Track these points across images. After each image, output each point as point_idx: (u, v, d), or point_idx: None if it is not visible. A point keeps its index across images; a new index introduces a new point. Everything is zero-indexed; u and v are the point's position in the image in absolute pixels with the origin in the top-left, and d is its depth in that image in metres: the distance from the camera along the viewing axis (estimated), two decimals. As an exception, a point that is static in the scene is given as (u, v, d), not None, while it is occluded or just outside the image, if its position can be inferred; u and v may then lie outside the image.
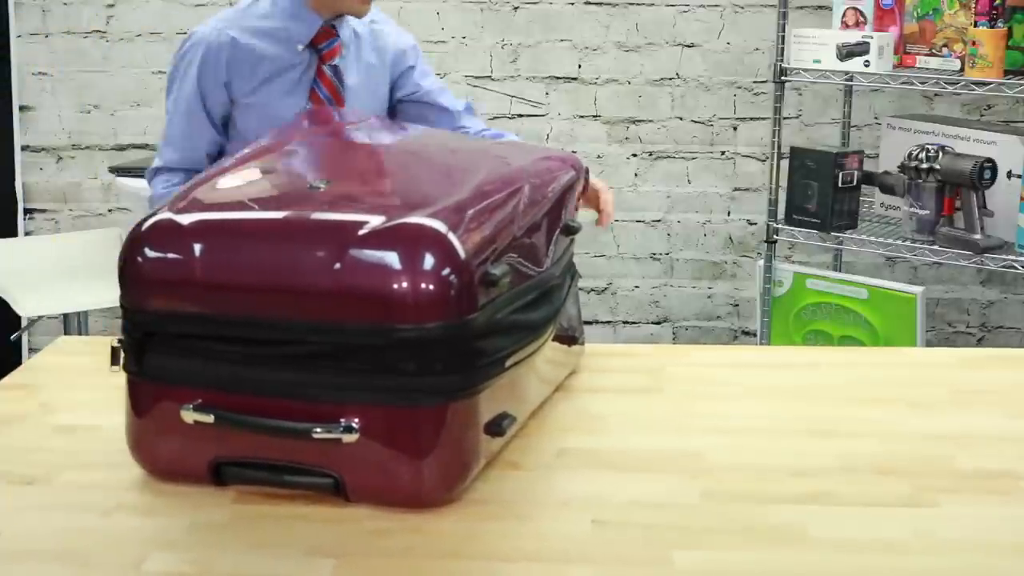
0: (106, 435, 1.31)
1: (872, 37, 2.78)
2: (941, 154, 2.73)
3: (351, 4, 2.04)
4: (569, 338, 1.50)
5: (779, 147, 2.97)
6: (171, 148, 2.09)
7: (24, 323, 3.17)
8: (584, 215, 1.58)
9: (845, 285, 2.98)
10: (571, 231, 1.47)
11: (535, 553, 1.10)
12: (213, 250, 1.16)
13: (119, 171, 3.01)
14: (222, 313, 1.15)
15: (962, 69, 2.71)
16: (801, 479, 1.25)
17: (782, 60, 2.92)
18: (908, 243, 2.80)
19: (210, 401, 1.16)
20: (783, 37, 2.92)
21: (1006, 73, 2.66)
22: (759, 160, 3.44)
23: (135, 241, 1.19)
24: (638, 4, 3.39)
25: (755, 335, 3.26)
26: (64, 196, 3.50)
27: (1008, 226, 2.71)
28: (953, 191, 2.75)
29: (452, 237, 1.14)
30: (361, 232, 1.13)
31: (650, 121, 3.43)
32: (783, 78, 2.93)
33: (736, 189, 3.48)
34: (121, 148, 3.47)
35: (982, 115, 3.36)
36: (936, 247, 2.76)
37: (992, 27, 2.65)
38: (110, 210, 3.50)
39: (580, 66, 3.39)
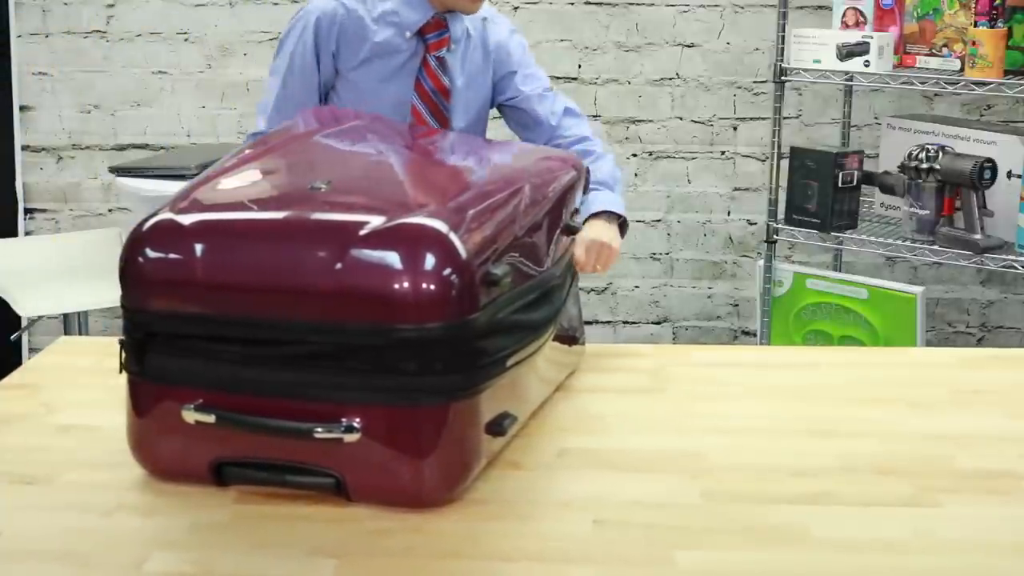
0: (107, 435, 1.31)
1: (872, 37, 2.78)
2: (941, 154, 2.73)
3: (460, 0, 2.03)
4: (569, 338, 1.50)
5: (779, 147, 2.97)
6: (275, 112, 2.10)
7: (24, 323, 3.17)
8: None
9: (845, 285, 2.98)
10: (571, 231, 1.47)
11: (536, 553, 1.10)
12: (214, 250, 1.16)
13: (119, 171, 3.00)
14: (223, 313, 1.15)
15: (962, 69, 2.71)
16: (801, 479, 1.25)
17: (782, 60, 2.92)
18: (908, 243, 2.81)
19: (211, 401, 1.16)
20: (783, 37, 2.92)
21: (1006, 73, 2.66)
22: (759, 160, 3.44)
23: (136, 241, 1.19)
24: (638, 4, 3.39)
25: (755, 335, 3.26)
26: (64, 196, 3.50)
27: (1008, 226, 2.71)
28: (953, 191, 2.75)
29: (453, 237, 1.14)
30: (362, 232, 1.14)
31: (650, 121, 3.44)
32: (783, 78, 2.93)
33: (736, 189, 3.48)
34: (121, 148, 3.48)
35: (982, 115, 3.36)
36: (936, 247, 2.76)
37: (992, 27, 2.65)
38: (110, 210, 3.50)
39: (580, 66, 3.39)
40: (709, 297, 3.53)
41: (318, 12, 2.05)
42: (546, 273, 1.36)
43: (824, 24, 3.07)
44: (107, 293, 2.63)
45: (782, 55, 2.92)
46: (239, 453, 1.18)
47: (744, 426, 1.39)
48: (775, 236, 3.01)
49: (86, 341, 1.91)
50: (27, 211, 3.51)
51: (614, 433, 1.38)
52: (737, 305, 3.54)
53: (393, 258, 1.12)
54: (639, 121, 3.43)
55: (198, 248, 1.16)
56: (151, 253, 1.18)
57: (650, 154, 3.45)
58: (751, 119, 3.43)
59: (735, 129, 3.45)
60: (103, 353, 1.52)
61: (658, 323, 3.55)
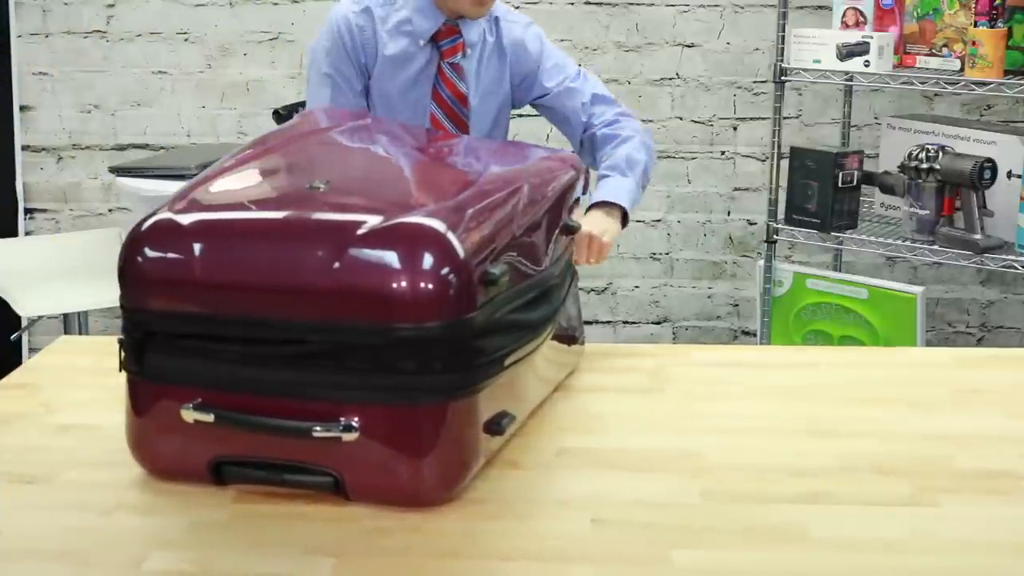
0: (106, 434, 1.31)
1: (872, 37, 2.78)
2: (941, 154, 2.73)
3: (464, 5, 2.03)
4: (569, 337, 1.50)
5: (779, 147, 2.97)
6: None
7: (24, 323, 3.17)
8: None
9: (845, 285, 2.98)
10: (570, 230, 1.47)
11: (534, 552, 1.10)
12: (213, 250, 1.16)
13: (119, 171, 3.00)
14: (222, 313, 1.15)
15: (962, 69, 2.71)
16: (801, 479, 1.25)
17: (782, 60, 2.92)
18: (908, 243, 2.80)
19: (210, 400, 1.16)
20: (783, 37, 2.92)
21: (1006, 73, 2.66)
22: (759, 160, 3.44)
23: (135, 241, 1.19)
24: (638, 4, 3.39)
25: (755, 335, 3.26)
26: (64, 196, 3.50)
27: (1008, 226, 2.71)
28: (953, 191, 2.75)
29: (451, 236, 1.14)
30: (360, 232, 1.14)
31: (650, 121, 3.43)
32: (783, 78, 2.93)
33: (736, 189, 3.48)
34: (121, 148, 3.48)
35: (982, 115, 3.36)
36: (936, 247, 2.76)
37: (992, 27, 2.65)
38: (110, 210, 3.50)
39: (580, 66, 3.39)
40: (709, 297, 3.53)
41: (344, 20, 2.07)
42: (545, 273, 1.36)
43: (824, 24, 3.07)
44: (107, 293, 2.62)
45: (782, 55, 2.92)
46: (238, 452, 1.18)
47: (744, 426, 1.39)
48: (775, 236, 3.01)
49: (86, 341, 1.91)
50: (27, 211, 3.51)
51: (613, 433, 1.38)
52: (737, 305, 3.54)
53: (391, 257, 1.12)
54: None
55: (197, 248, 1.16)
56: (150, 253, 1.18)
57: (650, 154, 3.45)
58: (751, 119, 3.43)
59: (735, 129, 3.45)
60: (103, 353, 1.52)
61: (658, 323, 3.55)
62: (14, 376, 1.56)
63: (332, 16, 2.09)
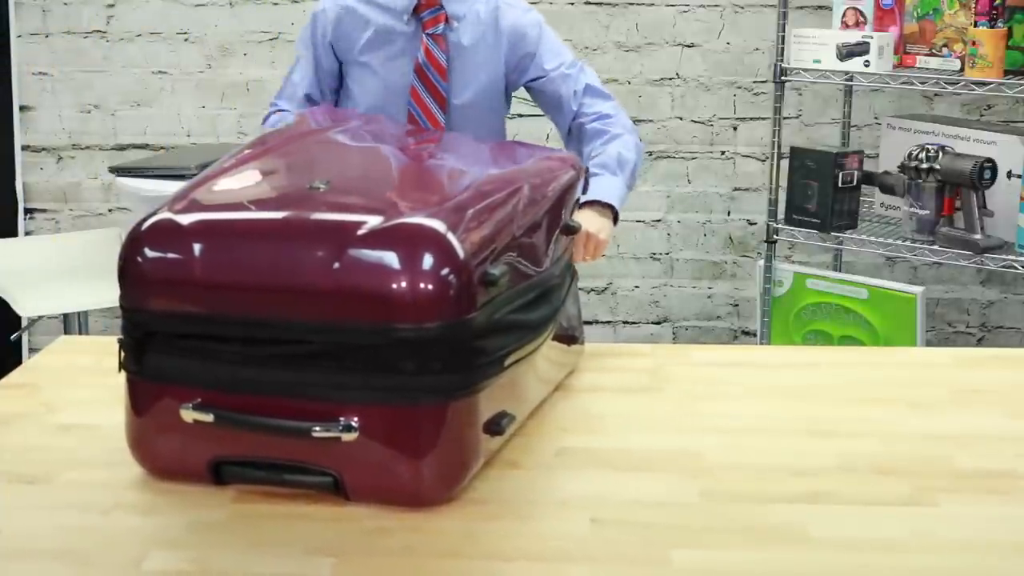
0: (106, 434, 1.31)
1: (872, 37, 2.78)
2: (941, 154, 2.73)
3: None
4: (569, 337, 1.50)
5: (779, 147, 2.97)
6: (281, 91, 2.26)
7: (24, 323, 3.17)
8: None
9: (845, 285, 2.98)
10: (571, 231, 1.47)
11: (534, 552, 1.10)
12: (213, 250, 1.16)
13: (119, 171, 3.00)
14: (222, 313, 1.15)
15: (962, 69, 2.71)
16: (801, 479, 1.25)
17: (782, 60, 2.92)
18: (908, 243, 2.80)
19: (210, 400, 1.16)
20: (783, 37, 2.92)
21: (1006, 73, 2.66)
22: (759, 160, 3.44)
23: (135, 241, 1.19)
24: (638, 4, 3.39)
25: (755, 335, 3.26)
26: (64, 196, 3.50)
27: (1008, 226, 2.71)
28: (953, 191, 2.75)
29: (451, 237, 1.14)
30: (360, 232, 1.14)
31: (650, 121, 3.43)
32: (783, 78, 2.93)
33: (736, 189, 3.48)
34: (121, 148, 3.48)
35: (982, 115, 3.36)
36: (936, 247, 2.76)
37: (992, 27, 2.65)
38: (110, 210, 3.50)
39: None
40: (709, 297, 3.53)
41: (322, 6, 2.17)
42: (545, 273, 1.36)
43: (824, 24, 3.07)
44: (107, 293, 2.61)
45: (782, 55, 2.92)
46: (238, 452, 1.18)
47: (744, 426, 1.39)
48: (775, 236, 3.01)
49: (86, 341, 1.91)
50: (27, 211, 3.51)
51: (613, 433, 1.38)
52: (737, 305, 3.54)
53: (391, 258, 1.12)
54: (639, 121, 3.43)
55: (197, 248, 1.16)
56: (150, 253, 1.18)
57: (650, 154, 3.45)
58: (751, 119, 3.43)
59: (735, 129, 3.45)
60: (103, 353, 1.52)
61: (658, 323, 3.55)
62: (14, 376, 1.56)
63: (316, 5, 2.19)
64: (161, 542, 1.12)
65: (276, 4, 3.39)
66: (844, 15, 2.88)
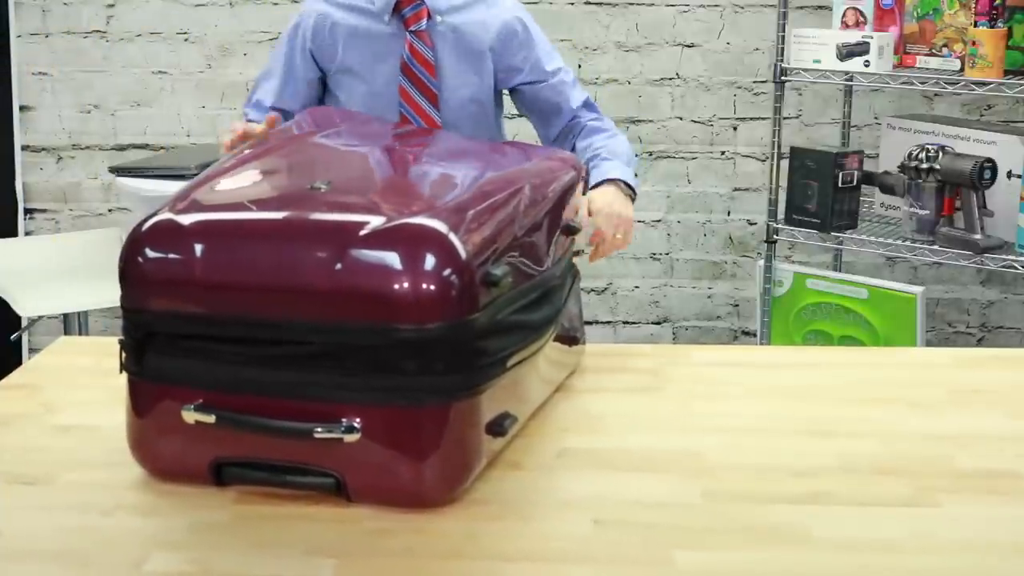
0: (106, 435, 1.31)
1: (872, 37, 2.78)
2: (941, 154, 2.73)
3: None
4: (570, 338, 1.50)
5: (779, 147, 2.97)
6: (251, 97, 2.22)
7: (24, 323, 3.17)
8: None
9: (845, 285, 2.98)
10: (571, 231, 1.47)
11: (536, 553, 1.10)
12: (214, 250, 1.16)
13: (119, 171, 3.00)
14: (223, 313, 1.15)
15: (962, 69, 2.71)
16: (801, 479, 1.25)
17: (782, 60, 2.92)
18: (908, 243, 2.80)
19: (211, 401, 1.16)
20: (783, 37, 2.92)
21: (1006, 73, 2.66)
22: (759, 160, 3.44)
23: (135, 241, 1.19)
24: (638, 4, 3.39)
25: (755, 335, 3.26)
26: (64, 196, 3.50)
27: (1008, 226, 2.71)
28: (953, 191, 2.75)
29: (453, 237, 1.14)
30: (362, 232, 1.13)
31: (650, 121, 3.43)
32: (783, 78, 2.93)
33: (736, 189, 3.48)
34: (121, 148, 3.48)
35: (982, 115, 3.36)
36: (936, 247, 2.76)
37: (992, 27, 2.65)
38: (110, 210, 3.50)
39: (580, 66, 3.39)
40: (709, 297, 3.53)
41: (299, 16, 2.13)
42: (546, 273, 1.36)
43: (824, 24, 3.07)
44: (107, 293, 2.62)
45: (782, 55, 2.92)
46: (239, 453, 1.18)
47: (744, 426, 1.39)
48: (775, 236, 3.01)
49: (86, 341, 1.91)
50: (27, 211, 3.51)
51: (614, 433, 1.38)
52: (737, 305, 3.54)
53: (393, 258, 1.11)
54: (639, 121, 3.43)
55: (198, 248, 1.16)
56: (151, 253, 1.18)
57: (650, 154, 3.45)
58: (751, 119, 3.43)
59: (735, 129, 3.45)
60: (103, 353, 1.52)
61: (658, 323, 3.55)
62: (14, 376, 1.56)
63: (301, 9, 2.14)
64: (162, 543, 1.12)
65: (276, 4, 3.39)
66: (844, 15, 2.88)
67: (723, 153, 3.46)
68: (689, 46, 3.41)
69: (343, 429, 1.12)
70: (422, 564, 1.08)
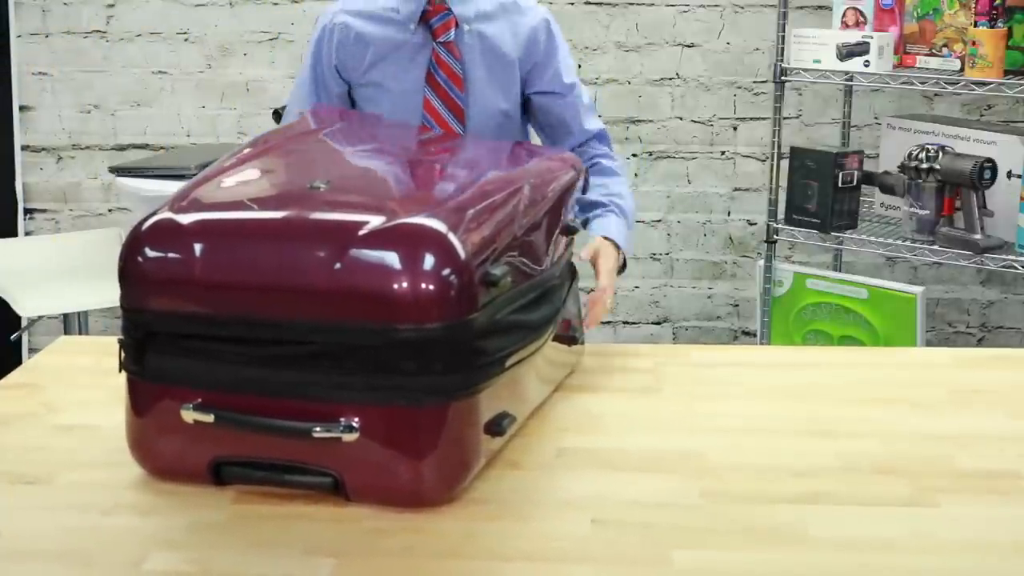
0: (106, 435, 1.31)
1: (872, 37, 2.78)
2: (941, 154, 2.73)
3: None
4: (569, 338, 1.50)
5: (779, 147, 2.97)
6: (288, 108, 2.13)
7: (24, 323, 3.17)
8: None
9: (845, 285, 2.98)
10: (571, 231, 1.47)
11: (535, 553, 1.10)
12: (213, 250, 1.16)
13: (119, 171, 3.00)
14: (222, 313, 1.15)
15: (962, 69, 2.71)
16: (801, 479, 1.25)
17: (782, 60, 2.92)
18: (908, 243, 2.80)
19: (210, 401, 1.16)
20: (783, 37, 2.92)
21: (1006, 73, 2.66)
22: (759, 160, 3.44)
23: (135, 241, 1.19)
24: (638, 4, 3.39)
25: (755, 335, 3.26)
26: (64, 196, 3.50)
27: (1008, 226, 2.71)
28: (953, 191, 2.74)
29: (452, 237, 1.14)
30: (361, 232, 1.13)
31: (650, 121, 3.43)
32: (783, 78, 2.93)
33: (736, 189, 3.48)
34: (121, 148, 3.47)
35: (982, 115, 3.36)
36: (936, 247, 2.76)
37: (992, 27, 2.65)
38: (110, 210, 3.50)
39: (580, 66, 3.39)
40: (709, 297, 3.53)
41: (321, 29, 2.04)
42: (546, 273, 1.36)
43: (824, 24, 3.07)
44: (107, 293, 2.61)
45: (782, 55, 2.92)
46: (238, 453, 1.18)
47: (744, 426, 1.39)
48: (775, 236, 3.01)
49: (86, 341, 1.91)
50: (27, 211, 3.51)
51: (613, 433, 1.38)
52: (737, 305, 3.54)
53: (392, 258, 1.11)
54: (639, 121, 3.43)
55: (197, 248, 1.16)
56: (150, 253, 1.18)
57: (650, 154, 3.45)
58: (751, 119, 3.43)
59: (735, 129, 3.45)
60: (103, 353, 1.52)
61: (658, 323, 3.55)
62: (14, 376, 1.56)
63: (319, 22, 2.05)
64: (161, 543, 1.12)
65: (276, 4, 3.39)
66: (844, 15, 2.88)
67: (723, 153, 3.46)
68: (689, 46, 3.41)
69: (342, 428, 1.12)
70: (421, 564, 1.08)
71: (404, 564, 1.08)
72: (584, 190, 1.61)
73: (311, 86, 2.05)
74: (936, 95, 3.30)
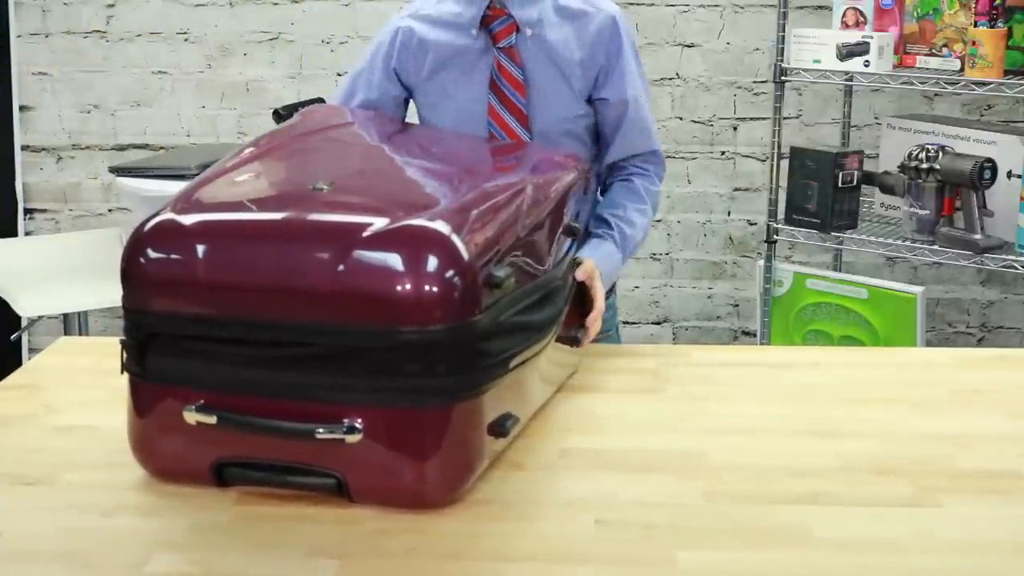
0: (107, 435, 1.31)
1: (872, 37, 2.78)
2: (941, 154, 2.73)
3: None
4: (571, 339, 1.50)
5: (779, 147, 2.97)
6: (343, 93, 2.03)
7: (24, 323, 3.17)
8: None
9: (845, 285, 2.98)
10: (573, 232, 1.47)
11: (538, 553, 1.10)
12: (216, 251, 1.16)
13: (119, 171, 3.00)
14: (225, 314, 1.15)
15: (962, 69, 2.71)
16: (801, 479, 1.25)
17: (782, 60, 2.92)
18: (908, 243, 2.80)
19: (212, 402, 1.16)
20: (783, 37, 2.92)
21: (1006, 73, 2.66)
22: (759, 160, 3.44)
23: (138, 242, 1.19)
24: (638, 4, 3.39)
25: (755, 335, 3.26)
26: (64, 196, 3.50)
27: (1008, 226, 2.71)
28: (953, 191, 2.75)
29: (455, 239, 1.14)
30: (365, 234, 1.14)
31: (650, 121, 3.43)
32: (783, 78, 2.93)
33: (736, 189, 3.48)
34: (121, 148, 3.47)
35: (982, 115, 3.36)
36: (936, 247, 2.76)
37: (992, 27, 2.65)
38: (110, 210, 3.50)
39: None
40: (709, 297, 3.53)
41: (388, 31, 1.99)
42: (548, 274, 1.36)
43: (824, 24, 3.07)
44: (107, 293, 2.63)
45: (782, 55, 2.92)
46: (240, 454, 1.18)
47: (745, 426, 1.40)
48: (775, 236, 3.01)
49: (86, 341, 1.91)
50: (27, 211, 3.51)
51: (615, 433, 1.38)
52: (737, 305, 3.54)
53: (396, 260, 1.12)
54: (639, 121, 3.43)
55: (200, 249, 1.16)
56: (153, 253, 1.18)
57: (650, 154, 3.45)
58: (751, 119, 3.43)
59: (735, 129, 3.45)
60: (103, 353, 1.52)
61: (658, 323, 3.55)
62: (14, 377, 1.56)
63: (393, 18, 2.00)
64: (163, 544, 1.12)
65: (276, 4, 3.39)
66: (844, 15, 2.88)
67: (723, 153, 3.46)
68: (689, 46, 3.41)
69: (345, 430, 1.12)
70: (424, 565, 1.08)
71: (407, 565, 1.08)
72: (585, 190, 1.61)
73: (368, 82, 1.97)
74: (936, 95, 3.30)
